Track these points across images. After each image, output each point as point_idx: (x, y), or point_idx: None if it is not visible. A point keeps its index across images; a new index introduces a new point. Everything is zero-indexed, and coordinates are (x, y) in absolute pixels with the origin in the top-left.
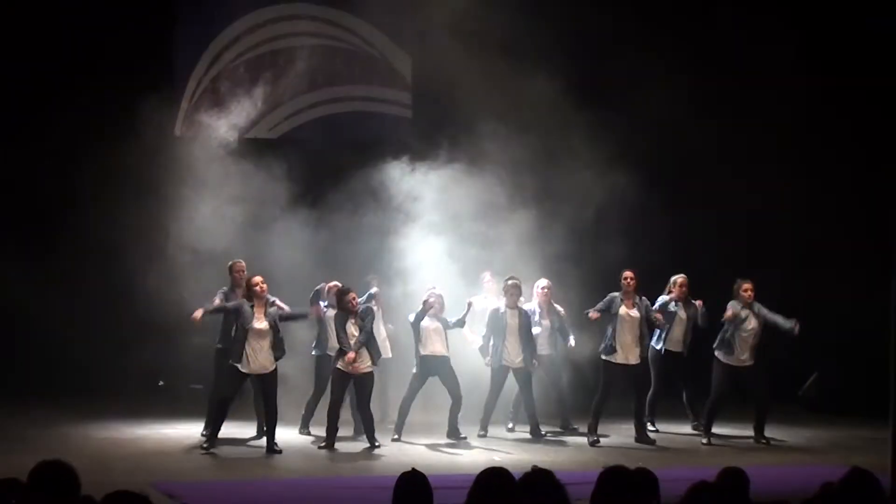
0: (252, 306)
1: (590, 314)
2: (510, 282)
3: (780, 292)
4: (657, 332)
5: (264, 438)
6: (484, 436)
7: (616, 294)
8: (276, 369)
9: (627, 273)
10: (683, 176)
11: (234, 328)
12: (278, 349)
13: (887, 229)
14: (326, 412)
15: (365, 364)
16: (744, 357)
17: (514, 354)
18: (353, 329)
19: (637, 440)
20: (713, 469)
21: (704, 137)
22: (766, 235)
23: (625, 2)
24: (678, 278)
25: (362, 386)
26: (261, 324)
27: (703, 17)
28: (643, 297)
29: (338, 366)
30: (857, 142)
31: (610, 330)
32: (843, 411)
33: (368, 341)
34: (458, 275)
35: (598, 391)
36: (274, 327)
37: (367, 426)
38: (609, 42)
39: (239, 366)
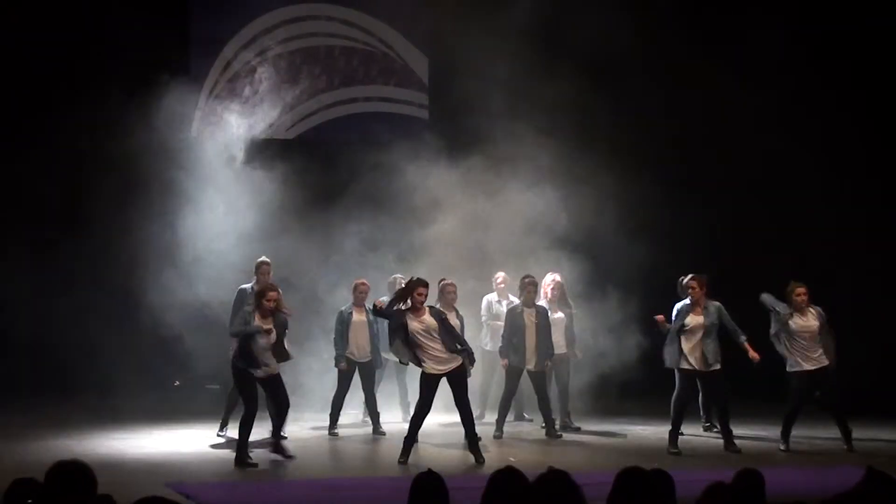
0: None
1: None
2: (527, 279)
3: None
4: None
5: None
6: (499, 436)
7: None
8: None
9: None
10: (706, 176)
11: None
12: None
13: None
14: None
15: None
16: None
17: (529, 354)
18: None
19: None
20: (729, 470)
21: (729, 138)
22: (785, 233)
23: (648, 2)
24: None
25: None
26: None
27: (730, 18)
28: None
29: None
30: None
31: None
32: (860, 412)
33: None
34: (474, 276)
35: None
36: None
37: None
38: (632, 41)
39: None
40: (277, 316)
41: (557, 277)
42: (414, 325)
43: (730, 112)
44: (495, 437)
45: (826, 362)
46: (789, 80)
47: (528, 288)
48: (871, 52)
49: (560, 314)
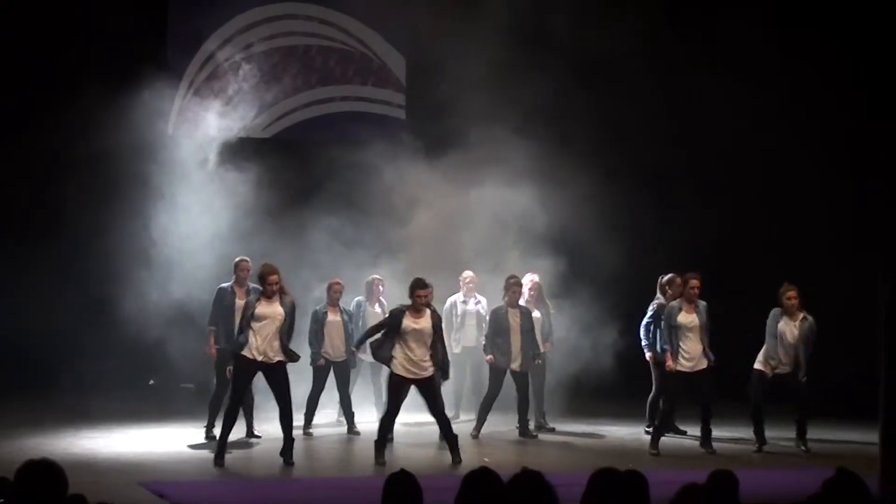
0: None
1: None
2: (512, 280)
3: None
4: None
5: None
6: (476, 436)
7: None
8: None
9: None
10: (705, 176)
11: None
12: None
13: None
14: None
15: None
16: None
17: (514, 355)
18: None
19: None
20: (703, 471)
21: (729, 138)
22: (785, 233)
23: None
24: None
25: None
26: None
27: (714, 16)
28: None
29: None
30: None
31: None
32: (858, 414)
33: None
34: (452, 276)
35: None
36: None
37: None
38: (623, 40)
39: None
40: (285, 299)
41: (536, 278)
42: (408, 322)
43: (730, 112)
44: (472, 436)
45: (785, 371)
46: (789, 80)
47: (513, 289)
48: (871, 52)
49: (537, 313)
